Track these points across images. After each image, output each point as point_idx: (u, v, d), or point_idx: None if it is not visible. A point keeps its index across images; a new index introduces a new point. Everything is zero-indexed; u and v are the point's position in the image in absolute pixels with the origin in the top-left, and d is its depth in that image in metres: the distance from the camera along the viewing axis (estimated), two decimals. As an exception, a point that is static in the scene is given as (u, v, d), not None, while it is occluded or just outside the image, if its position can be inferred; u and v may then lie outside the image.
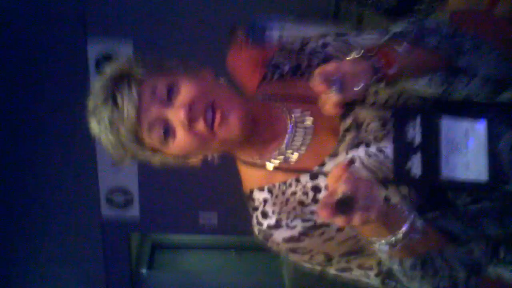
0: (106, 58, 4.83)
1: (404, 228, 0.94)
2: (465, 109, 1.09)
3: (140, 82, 1.03)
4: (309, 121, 1.14)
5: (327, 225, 1.08)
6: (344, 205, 0.86)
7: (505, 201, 1.07)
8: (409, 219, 0.96)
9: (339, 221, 0.86)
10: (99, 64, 4.83)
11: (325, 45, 1.24)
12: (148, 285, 6.55)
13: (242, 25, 4.39)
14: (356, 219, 0.86)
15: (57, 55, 4.66)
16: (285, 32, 4.68)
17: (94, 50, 4.76)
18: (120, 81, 1.03)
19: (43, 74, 4.73)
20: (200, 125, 1.01)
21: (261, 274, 5.86)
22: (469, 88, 1.09)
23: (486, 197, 1.06)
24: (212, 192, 4.87)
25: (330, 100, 0.93)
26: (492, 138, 1.05)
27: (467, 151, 1.04)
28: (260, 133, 1.13)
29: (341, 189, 0.85)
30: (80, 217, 5.13)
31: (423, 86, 1.08)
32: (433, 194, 1.06)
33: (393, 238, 0.94)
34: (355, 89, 0.93)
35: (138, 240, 6.15)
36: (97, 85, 1.06)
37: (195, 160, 1.15)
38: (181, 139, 1.02)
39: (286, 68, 1.27)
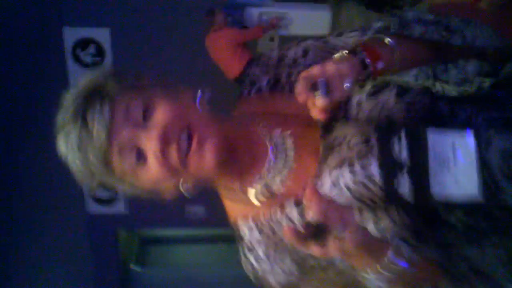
0: (83, 43, 4.83)
1: (389, 255, 0.86)
2: (451, 119, 1.03)
3: (113, 99, 0.93)
4: (289, 142, 1.06)
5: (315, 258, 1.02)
6: (317, 233, 0.80)
7: (502, 215, 1.00)
8: (392, 245, 0.89)
9: (313, 249, 0.81)
10: (75, 49, 4.82)
11: (305, 52, 1.14)
12: (138, 280, 6.57)
13: (220, 5, 4.41)
14: (331, 247, 0.80)
15: (33, 42, 4.64)
16: (264, 10, 4.69)
17: (70, 36, 4.74)
18: (92, 97, 0.93)
19: (19, 62, 4.71)
20: (173, 154, 0.93)
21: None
22: (466, 70, 1.06)
23: (480, 213, 0.99)
24: (198, 185, 4.86)
25: (316, 105, 0.88)
26: (481, 148, 0.97)
27: (456, 165, 0.96)
28: (239, 157, 1.05)
29: (311, 215, 0.80)
30: (66, 216, 5.15)
31: (412, 78, 1.06)
32: (423, 212, 0.98)
33: (379, 267, 0.86)
34: (344, 86, 0.88)
35: (125, 236, 6.14)
36: (68, 98, 0.96)
37: (167, 195, 1.04)
38: (152, 167, 0.93)
39: (264, 83, 1.15)
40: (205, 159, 0.93)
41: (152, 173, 0.93)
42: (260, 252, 1.05)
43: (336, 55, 0.93)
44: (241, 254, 1.09)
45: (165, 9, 4.52)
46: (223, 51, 4.14)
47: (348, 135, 1.00)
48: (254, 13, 4.67)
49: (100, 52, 4.87)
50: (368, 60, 0.91)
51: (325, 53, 1.11)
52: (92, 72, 0.98)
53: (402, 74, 1.04)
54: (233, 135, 1.03)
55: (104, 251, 5.41)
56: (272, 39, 5.20)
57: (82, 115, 0.91)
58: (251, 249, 1.07)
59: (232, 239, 1.14)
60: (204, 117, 0.98)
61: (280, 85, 1.12)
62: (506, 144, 0.97)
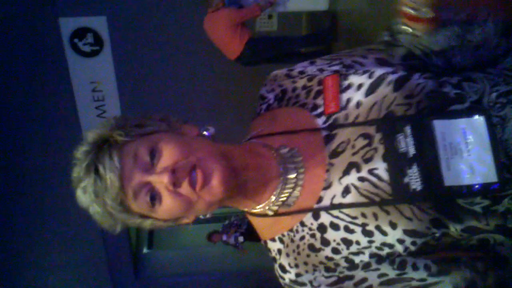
0: (80, 33, 4.80)
1: None
2: (460, 103, 0.99)
3: (121, 147, 0.97)
4: (298, 157, 1.07)
5: (350, 278, 1.02)
6: None
7: None
8: None
9: None
10: (73, 39, 4.79)
11: (312, 63, 1.18)
12: (149, 263, 6.66)
13: (217, -14, 4.38)
14: None
15: (30, 35, 4.61)
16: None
17: (67, 26, 4.70)
18: (100, 148, 0.97)
19: (18, 57, 4.70)
20: (185, 188, 0.95)
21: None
22: (485, 31, 1.04)
23: (503, 196, 0.95)
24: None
25: None
26: (495, 128, 0.94)
27: (468, 152, 0.93)
28: (251, 181, 1.05)
29: None
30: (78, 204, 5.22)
31: (442, 39, 1.05)
32: (442, 206, 0.96)
33: None
34: None
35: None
36: (78, 154, 1.00)
37: (187, 221, 1.07)
38: (167, 204, 0.97)
39: (271, 100, 1.18)
40: (213, 190, 0.96)
41: (168, 209, 0.97)
42: (293, 275, 1.07)
43: None
44: (277, 275, 1.12)
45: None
46: (222, 32, 4.10)
47: (351, 139, 1.01)
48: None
49: (98, 41, 4.84)
50: None
51: (333, 59, 1.14)
52: (97, 126, 1.02)
53: (435, 35, 1.05)
54: (241, 161, 1.04)
55: (116, 237, 5.45)
56: (270, 17, 5.15)
57: (95, 168, 0.95)
58: (284, 270, 1.09)
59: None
60: (207, 149, 1.00)
61: (287, 98, 1.14)
62: None
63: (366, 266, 0.99)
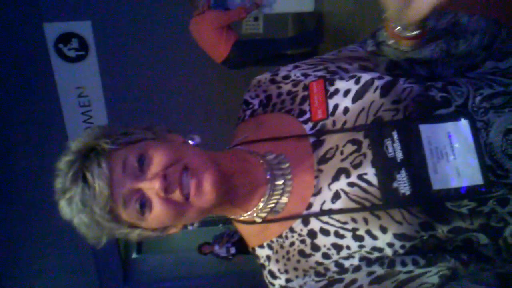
0: (65, 38, 4.77)
1: None
2: (445, 107, 1.00)
3: (109, 155, 0.95)
4: (285, 163, 1.06)
5: (340, 281, 1.02)
6: None
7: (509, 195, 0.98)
8: None
9: None
10: (58, 45, 4.76)
11: (296, 66, 1.17)
12: (139, 268, 6.64)
13: (202, -11, 4.38)
14: None
15: (14, 41, 4.58)
16: (248, -9, 4.66)
17: (51, 32, 4.67)
18: (87, 157, 0.95)
19: (1, 60, 4.65)
20: (176, 195, 0.94)
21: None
22: (471, 45, 1.06)
23: (488, 198, 0.97)
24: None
25: None
26: (480, 132, 0.96)
27: (454, 155, 0.95)
28: (238, 188, 1.04)
29: None
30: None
31: (427, 53, 1.05)
32: (431, 209, 0.97)
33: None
34: None
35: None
36: (61, 164, 0.96)
37: (174, 230, 1.05)
38: (158, 210, 0.94)
39: (256, 105, 1.18)
40: (206, 195, 0.94)
41: (159, 216, 0.95)
42: (283, 280, 1.07)
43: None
44: (267, 282, 1.11)
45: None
46: (208, 35, 4.10)
47: (340, 145, 1.01)
48: (237, -5, 4.63)
49: (83, 46, 4.81)
50: None
51: (317, 64, 1.14)
52: (80, 135, 1.00)
53: (421, 50, 1.04)
54: (228, 167, 1.04)
55: (105, 242, 5.44)
56: (256, 19, 5.16)
57: (82, 175, 0.93)
58: (274, 276, 1.08)
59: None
60: (198, 156, 0.99)
61: (272, 104, 1.14)
62: (508, 123, 0.97)
63: (356, 270, 0.98)
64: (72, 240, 5.24)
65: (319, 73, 1.10)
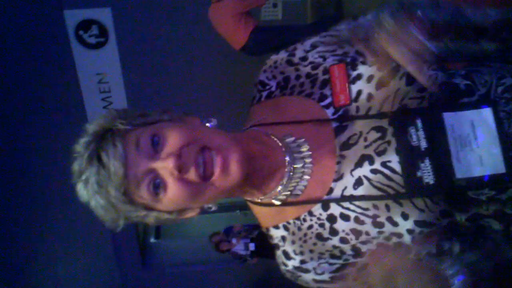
0: (85, 25, 4.80)
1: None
2: (469, 96, 0.99)
3: (124, 135, 0.94)
4: (305, 147, 1.05)
5: (353, 265, 1.02)
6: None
7: None
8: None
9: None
10: (78, 32, 4.79)
11: (314, 46, 1.12)
12: (157, 253, 6.67)
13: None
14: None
15: (35, 29, 4.62)
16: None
17: (72, 19, 4.71)
18: (103, 138, 0.94)
19: (24, 52, 4.71)
20: (192, 174, 0.92)
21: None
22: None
23: (509, 187, 0.96)
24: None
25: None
26: (503, 121, 0.95)
27: (477, 144, 0.94)
28: (258, 171, 1.03)
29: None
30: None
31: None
32: (452, 197, 0.97)
33: None
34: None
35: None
36: (78, 147, 0.96)
37: (192, 214, 1.03)
38: (173, 191, 0.92)
39: (273, 87, 1.14)
40: (232, 174, 0.93)
41: (174, 197, 0.93)
42: (297, 261, 1.06)
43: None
44: (279, 262, 1.10)
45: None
46: (226, 21, 4.08)
47: (364, 131, 1.00)
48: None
49: (103, 32, 4.83)
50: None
51: (335, 44, 1.11)
52: (97, 118, 0.99)
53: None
54: (249, 147, 1.02)
55: (124, 227, 5.47)
56: (275, 5, 5.13)
57: (97, 157, 0.92)
58: (288, 257, 1.07)
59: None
60: (219, 136, 0.97)
61: (290, 86, 1.11)
62: None
63: None
64: (91, 225, 5.30)
65: (339, 57, 1.07)
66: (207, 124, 1.03)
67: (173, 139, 0.93)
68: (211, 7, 4.12)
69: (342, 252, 1.03)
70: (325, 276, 1.04)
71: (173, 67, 5.11)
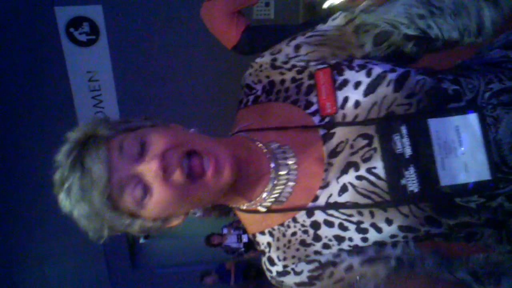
0: (76, 22, 4.77)
1: None
2: (456, 101, 0.98)
3: (107, 141, 0.92)
4: (290, 154, 1.04)
5: (333, 264, 1.01)
6: None
7: None
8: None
9: None
10: (69, 29, 4.76)
11: (298, 47, 1.10)
12: (146, 253, 6.66)
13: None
14: None
15: (25, 25, 4.59)
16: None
17: (62, 15, 4.67)
18: (85, 144, 0.92)
19: (13, 49, 4.69)
20: (178, 175, 0.90)
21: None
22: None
23: (497, 194, 0.96)
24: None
25: None
26: (489, 128, 0.94)
27: (462, 150, 0.93)
28: (243, 177, 1.01)
29: None
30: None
31: (402, 9, 1.02)
32: (439, 205, 0.96)
33: None
34: None
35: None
36: (60, 156, 0.94)
37: (177, 221, 1.02)
38: (158, 195, 0.90)
39: (259, 91, 1.13)
40: (224, 175, 0.92)
41: (159, 201, 0.91)
42: (280, 267, 1.06)
43: None
44: (265, 268, 1.10)
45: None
46: (218, 20, 4.06)
47: (350, 138, 0.99)
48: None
49: (94, 30, 4.80)
50: None
51: (318, 43, 1.09)
52: (77, 127, 0.97)
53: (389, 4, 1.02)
54: (236, 153, 1.00)
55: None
56: (267, 4, 5.12)
57: (80, 163, 0.90)
58: (272, 263, 1.07)
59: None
60: (205, 139, 0.97)
61: (275, 91, 1.10)
62: None
63: (352, 254, 0.99)
64: (80, 230, 5.33)
65: (323, 59, 1.06)
66: (191, 130, 1.03)
67: (157, 143, 0.91)
68: (203, 5, 4.10)
69: (322, 255, 1.02)
70: (303, 276, 1.03)
71: (164, 65, 5.09)
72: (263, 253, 1.09)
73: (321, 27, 1.12)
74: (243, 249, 5.17)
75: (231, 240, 5.24)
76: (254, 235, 1.11)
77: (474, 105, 0.96)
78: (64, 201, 0.93)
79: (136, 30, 4.84)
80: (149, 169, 0.89)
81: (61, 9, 4.61)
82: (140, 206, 0.92)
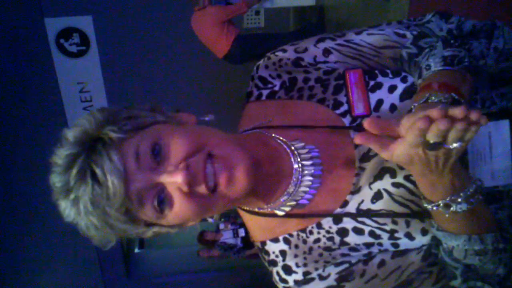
0: (66, 33, 4.76)
1: (471, 189, 0.79)
2: (489, 108, 0.96)
3: (118, 146, 0.82)
4: (315, 153, 0.97)
5: (364, 263, 0.95)
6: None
7: None
8: (475, 182, 0.81)
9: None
10: (59, 39, 4.75)
11: (327, 52, 1.05)
12: (141, 263, 6.63)
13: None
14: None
15: (16, 37, 4.59)
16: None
17: (52, 27, 4.67)
18: (92, 149, 0.81)
19: (3, 56, 4.67)
20: (202, 188, 0.83)
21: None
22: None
23: None
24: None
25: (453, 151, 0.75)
26: None
27: (491, 156, 0.92)
28: (263, 178, 0.93)
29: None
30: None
31: None
32: None
33: (462, 195, 0.79)
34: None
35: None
36: (59, 158, 0.83)
37: (193, 223, 0.95)
38: (180, 207, 0.83)
39: (277, 87, 1.07)
40: (238, 184, 0.84)
41: (181, 213, 0.84)
42: (300, 275, 0.97)
43: (418, 103, 0.81)
44: (277, 279, 1.01)
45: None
46: (209, 30, 4.08)
47: None
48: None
49: (84, 41, 4.80)
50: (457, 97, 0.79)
51: (350, 55, 1.03)
52: (77, 123, 0.86)
53: None
54: (255, 153, 0.92)
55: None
56: (258, 13, 5.14)
57: (90, 173, 0.80)
58: (289, 271, 0.98)
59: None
60: (225, 140, 0.89)
61: (297, 88, 1.04)
62: None
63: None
64: (75, 235, 5.29)
65: (355, 62, 1.00)
66: (206, 119, 0.96)
67: (177, 148, 0.83)
68: (194, 15, 4.12)
69: (352, 257, 0.96)
70: (331, 279, 0.95)
71: (156, 75, 5.09)
72: (273, 264, 1.00)
73: (353, 37, 1.05)
74: (241, 245, 4.64)
75: (226, 236, 4.72)
76: (263, 243, 1.02)
77: (507, 112, 0.95)
78: (68, 211, 0.84)
79: (127, 41, 4.84)
80: (174, 181, 0.81)
81: (51, 20, 4.61)
82: (160, 217, 0.85)
